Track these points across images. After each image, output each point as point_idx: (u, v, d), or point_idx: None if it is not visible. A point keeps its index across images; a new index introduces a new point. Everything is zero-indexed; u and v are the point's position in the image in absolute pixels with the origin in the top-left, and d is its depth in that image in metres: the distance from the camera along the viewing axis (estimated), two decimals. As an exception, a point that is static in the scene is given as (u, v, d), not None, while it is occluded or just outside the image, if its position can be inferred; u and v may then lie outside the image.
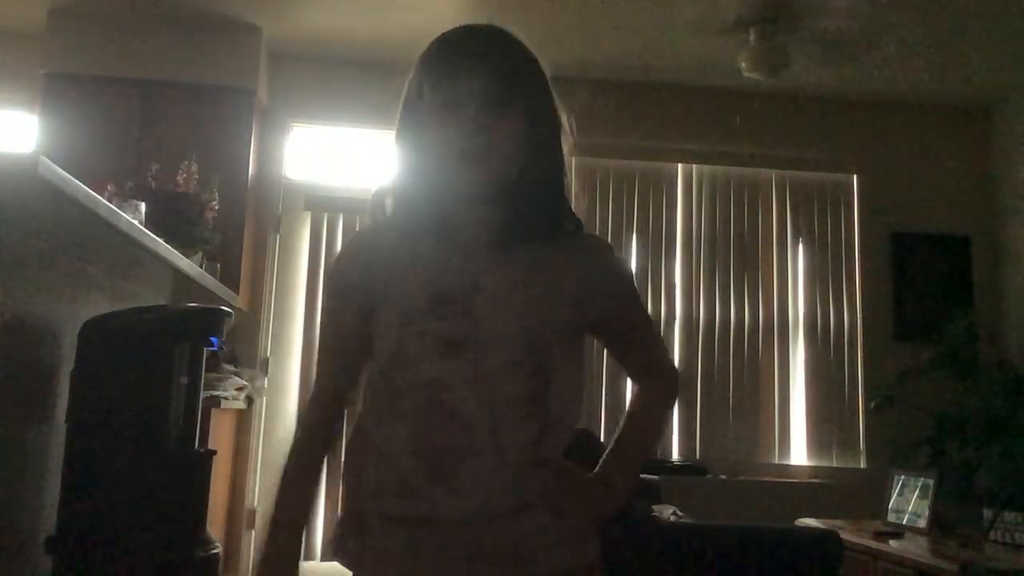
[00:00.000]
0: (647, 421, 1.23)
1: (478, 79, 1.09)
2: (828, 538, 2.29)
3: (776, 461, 4.29)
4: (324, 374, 1.21)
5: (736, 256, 4.47)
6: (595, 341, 1.23)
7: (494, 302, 1.07)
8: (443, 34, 1.17)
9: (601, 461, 1.16)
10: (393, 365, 1.08)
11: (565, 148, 1.17)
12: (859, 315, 4.47)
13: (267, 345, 4.19)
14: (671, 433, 4.23)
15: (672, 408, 1.29)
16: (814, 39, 3.90)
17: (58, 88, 3.90)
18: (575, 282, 1.11)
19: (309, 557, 3.98)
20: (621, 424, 1.20)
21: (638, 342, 1.25)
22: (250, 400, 3.91)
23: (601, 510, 1.13)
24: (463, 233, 1.13)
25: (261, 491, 4.07)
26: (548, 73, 1.17)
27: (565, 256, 1.12)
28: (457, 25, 1.19)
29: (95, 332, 2.00)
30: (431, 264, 1.11)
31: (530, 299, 1.08)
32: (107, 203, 1.80)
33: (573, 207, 1.17)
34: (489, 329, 1.06)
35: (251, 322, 4.10)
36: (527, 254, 1.11)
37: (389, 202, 1.21)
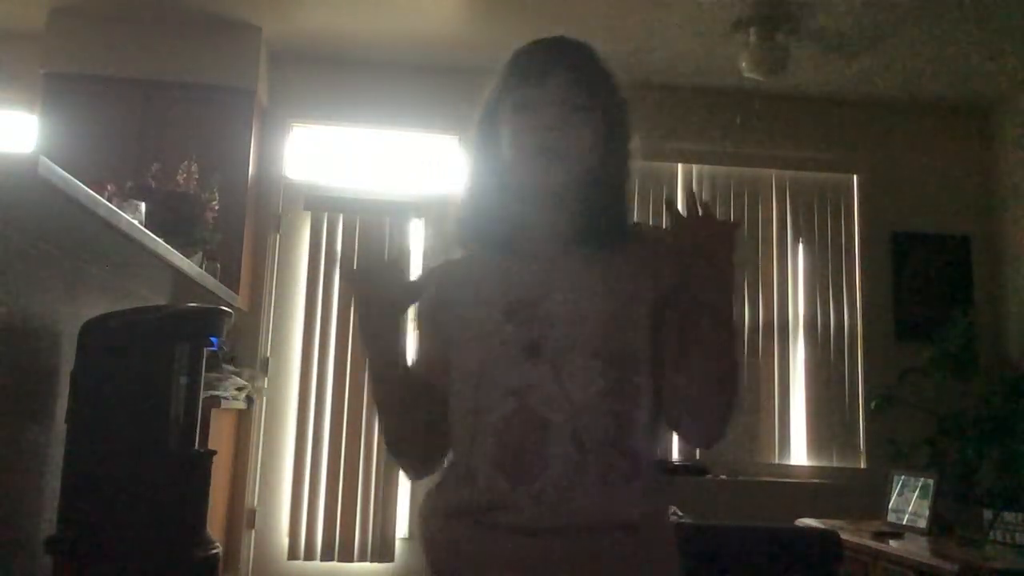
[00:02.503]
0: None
1: (557, 82, 1.11)
2: (828, 538, 2.28)
3: (776, 461, 4.29)
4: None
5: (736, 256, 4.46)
6: None
7: (568, 302, 1.08)
8: (523, 46, 1.19)
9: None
10: (479, 385, 1.08)
11: (632, 158, 1.20)
12: (859, 315, 4.46)
13: (267, 345, 4.19)
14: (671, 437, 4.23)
15: (728, 398, 1.10)
16: (814, 39, 3.90)
17: (58, 88, 3.90)
18: (647, 272, 1.11)
19: (309, 557, 3.98)
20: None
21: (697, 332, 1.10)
22: (250, 400, 3.91)
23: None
24: (534, 240, 1.15)
25: (261, 491, 4.07)
26: (624, 87, 1.20)
27: (632, 250, 1.13)
28: (538, 38, 1.20)
29: (95, 332, 2.00)
30: (504, 276, 1.13)
31: (604, 295, 1.08)
32: (107, 203, 1.80)
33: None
34: (566, 329, 1.06)
35: (251, 322, 4.10)
36: (598, 253, 1.12)
37: (464, 216, 1.20)
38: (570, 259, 1.12)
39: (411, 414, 1.16)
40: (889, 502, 3.62)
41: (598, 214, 1.13)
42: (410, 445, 1.19)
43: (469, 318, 1.12)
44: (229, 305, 2.74)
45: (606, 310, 1.07)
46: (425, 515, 1.14)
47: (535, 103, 1.11)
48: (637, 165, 1.20)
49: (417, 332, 1.23)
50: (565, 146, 1.10)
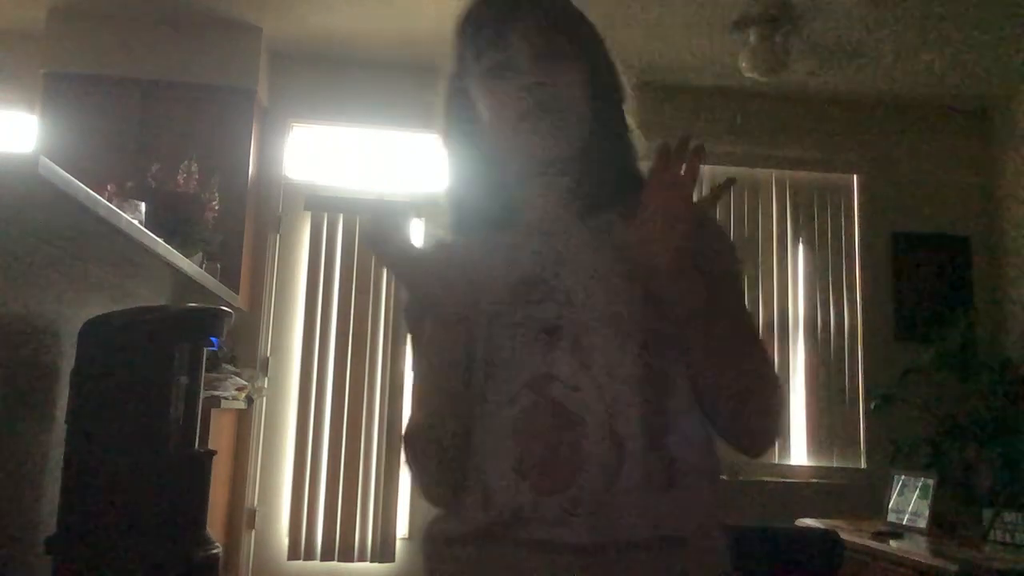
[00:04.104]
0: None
1: (528, 32, 0.96)
2: (828, 538, 2.28)
3: (776, 461, 4.29)
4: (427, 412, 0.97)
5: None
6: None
7: (584, 276, 0.92)
8: (467, 5, 1.02)
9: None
10: (489, 374, 0.91)
11: (626, 99, 1.05)
12: (859, 315, 4.46)
13: (267, 345, 4.19)
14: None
15: (767, 399, 0.98)
16: (814, 39, 3.89)
17: (58, 88, 3.90)
18: None
19: (309, 557, 3.98)
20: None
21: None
22: (250, 400, 3.91)
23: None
24: (540, 211, 1.00)
25: (261, 491, 4.07)
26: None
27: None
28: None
29: (95, 332, 2.00)
30: (508, 252, 0.97)
31: (621, 265, 0.92)
32: (107, 203, 1.80)
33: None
34: (589, 306, 0.90)
35: (251, 322, 4.10)
36: (608, 218, 0.97)
37: (450, 201, 1.07)
38: (577, 226, 0.97)
39: (451, 458, 0.93)
40: (889, 502, 3.62)
41: (603, 172, 0.98)
42: (447, 489, 0.95)
43: (470, 302, 0.92)
44: (229, 305, 2.74)
45: (631, 283, 0.89)
46: (430, 539, 0.97)
47: (503, 66, 0.96)
48: (633, 109, 1.06)
49: (415, 332, 1.04)
50: (550, 104, 0.94)
